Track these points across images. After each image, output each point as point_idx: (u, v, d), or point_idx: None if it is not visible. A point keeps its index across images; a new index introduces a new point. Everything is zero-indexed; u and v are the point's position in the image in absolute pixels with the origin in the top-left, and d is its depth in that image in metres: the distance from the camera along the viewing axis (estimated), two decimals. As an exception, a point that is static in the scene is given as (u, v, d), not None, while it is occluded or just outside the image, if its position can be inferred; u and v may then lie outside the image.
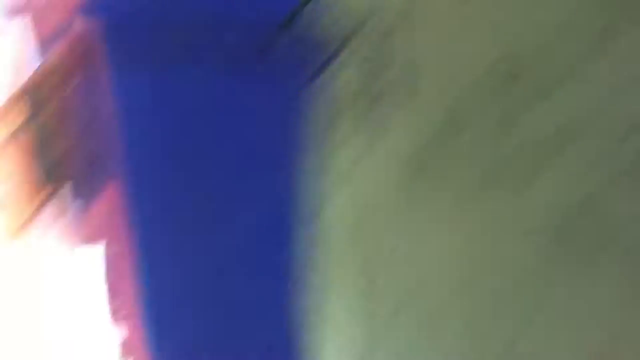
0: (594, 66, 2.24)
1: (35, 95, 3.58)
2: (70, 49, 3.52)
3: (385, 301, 3.62)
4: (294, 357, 4.29)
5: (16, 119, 5.00)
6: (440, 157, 2.81)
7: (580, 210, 2.41)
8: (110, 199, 4.54)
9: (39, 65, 3.59)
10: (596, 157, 2.25)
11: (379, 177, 3.19)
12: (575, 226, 2.43)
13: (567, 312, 2.59)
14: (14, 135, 5.42)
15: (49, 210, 5.87)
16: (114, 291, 5.43)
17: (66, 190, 5.23)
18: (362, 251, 3.66)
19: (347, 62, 3.14)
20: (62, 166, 3.67)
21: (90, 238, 5.18)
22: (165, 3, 3.44)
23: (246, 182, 3.83)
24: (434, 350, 3.32)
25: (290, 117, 3.63)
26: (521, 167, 2.49)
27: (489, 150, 2.60)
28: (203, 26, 3.58)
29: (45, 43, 3.55)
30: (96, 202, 5.19)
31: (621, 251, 2.24)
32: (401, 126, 2.98)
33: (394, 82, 3.04)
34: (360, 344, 3.88)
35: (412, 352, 3.48)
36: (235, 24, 3.60)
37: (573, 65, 2.32)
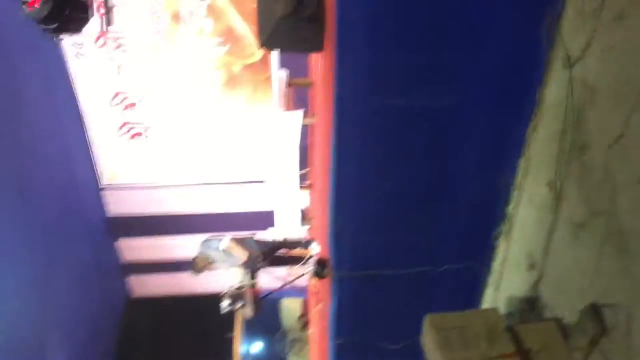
0: None
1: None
2: None
3: (569, 218, 3.31)
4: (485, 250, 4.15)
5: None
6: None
7: None
8: (316, 73, 4.58)
9: None
10: None
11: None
12: None
13: None
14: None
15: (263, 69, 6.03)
16: (303, 160, 5.64)
17: (276, 55, 5.45)
18: (564, 153, 3.31)
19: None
20: (276, 34, 3.80)
21: (292, 106, 5.37)
22: None
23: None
24: (612, 270, 2.91)
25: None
26: None
27: None
28: None
29: None
30: (302, 73, 5.24)
31: None
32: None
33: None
34: (536, 253, 3.66)
35: (582, 271, 3.17)
36: None
37: None
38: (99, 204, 9.00)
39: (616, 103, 2.83)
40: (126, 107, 8.10)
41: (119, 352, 10.16)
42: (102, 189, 8.86)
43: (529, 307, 3.78)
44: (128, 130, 8.32)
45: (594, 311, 2.98)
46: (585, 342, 3.04)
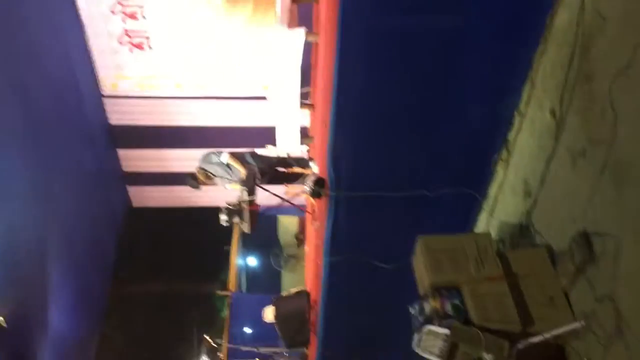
0: None
1: None
2: None
3: (569, 146, 3.29)
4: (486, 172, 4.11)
5: None
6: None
7: None
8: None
9: None
10: None
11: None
12: None
13: None
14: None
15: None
16: (305, 78, 5.60)
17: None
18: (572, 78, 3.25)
19: None
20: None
21: (295, 25, 5.25)
22: None
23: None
24: (606, 200, 2.91)
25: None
26: None
27: None
28: None
29: None
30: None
31: None
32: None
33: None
34: (532, 180, 3.67)
35: (576, 199, 3.14)
36: None
37: None
38: (101, 112, 8.94)
39: (626, 33, 2.75)
40: (127, 16, 7.90)
41: (118, 259, 10.41)
42: (104, 97, 8.78)
43: (521, 233, 3.83)
44: (129, 40, 8.15)
45: (584, 239, 3.02)
46: (572, 268, 3.10)
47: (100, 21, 7.92)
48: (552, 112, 3.38)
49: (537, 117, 3.65)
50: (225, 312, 11.80)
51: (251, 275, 15.91)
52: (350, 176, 4.46)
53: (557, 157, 3.36)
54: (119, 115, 9.02)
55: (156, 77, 8.62)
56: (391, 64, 3.88)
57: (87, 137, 8.73)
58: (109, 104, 8.89)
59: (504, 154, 4.12)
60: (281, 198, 7.11)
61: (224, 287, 12.37)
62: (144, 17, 7.91)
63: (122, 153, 9.60)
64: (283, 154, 7.51)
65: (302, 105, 7.49)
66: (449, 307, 3.20)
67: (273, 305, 7.13)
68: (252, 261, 16.09)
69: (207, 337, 12.53)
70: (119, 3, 7.74)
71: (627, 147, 2.71)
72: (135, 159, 9.68)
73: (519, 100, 3.86)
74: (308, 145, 8.01)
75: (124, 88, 8.70)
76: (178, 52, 8.31)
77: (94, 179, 9.03)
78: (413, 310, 3.41)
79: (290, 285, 11.87)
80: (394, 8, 3.60)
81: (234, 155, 6.66)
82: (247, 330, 11.60)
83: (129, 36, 8.10)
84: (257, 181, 6.49)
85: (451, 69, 3.88)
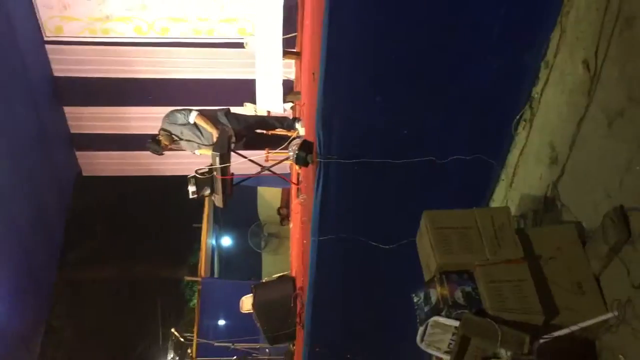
0: None
1: None
2: None
3: (605, 104, 3.30)
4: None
5: None
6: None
7: None
8: None
9: None
10: None
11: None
12: None
13: None
14: None
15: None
16: (291, 22, 5.59)
17: None
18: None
19: None
20: None
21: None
22: None
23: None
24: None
25: None
26: None
27: None
28: None
29: None
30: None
31: None
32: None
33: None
34: (560, 145, 3.69)
35: (611, 168, 3.19)
36: None
37: None
38: (43, 61, 8.83)
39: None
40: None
41: (66, 237, 10.40)
42: (46, 43, 8.66)
43: (545, 208, 3.85)
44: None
45: (620, 215, 3.03)
46: (605, 249, 3.12)
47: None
48: (586, 64, 3.37)
49: (567, 70, 3.64)
50: (195, 302, 11.90)
51: (225, 258, 16.00)
52: (342, 139, 4.45)
53: (590, 116, 3.37)
54: (65, 65, 8.92)
55: (110, 19, 8.50)
56: (394, 3, 3.85)
57: (26, 91, 8.63)
58: (52, 52, 8.78)
59: (527, 113, 4.12)
60: (261, 166, 7.11)
61: (194, 272, 12.44)
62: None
63: (69, 111, 9.51)
64: (263, 113, 7.48)
65: (286, 53, 7.44)
66: (459, 295, 3.22)
67: (252, 293, 7.18)
68: (227, 241, 16.16)
69: (174, 331, 12.65)
70: None
71: (673, 105, 2.72)
72: (85, 119, 9.60)
73: (545, 50, 3.85)
74: (293, 102, 7.98)
75: (70, 31, 8.58)
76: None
77: (36, 142, 8.97)
78: (417, 298, 3.44)
79: (272, 270, 11.96)
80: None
81: (204, 114, 6.63)
82: (221, 322, 11.72)
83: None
84: (232, 145, 6.47)
85: (465, 8, 3.85)
